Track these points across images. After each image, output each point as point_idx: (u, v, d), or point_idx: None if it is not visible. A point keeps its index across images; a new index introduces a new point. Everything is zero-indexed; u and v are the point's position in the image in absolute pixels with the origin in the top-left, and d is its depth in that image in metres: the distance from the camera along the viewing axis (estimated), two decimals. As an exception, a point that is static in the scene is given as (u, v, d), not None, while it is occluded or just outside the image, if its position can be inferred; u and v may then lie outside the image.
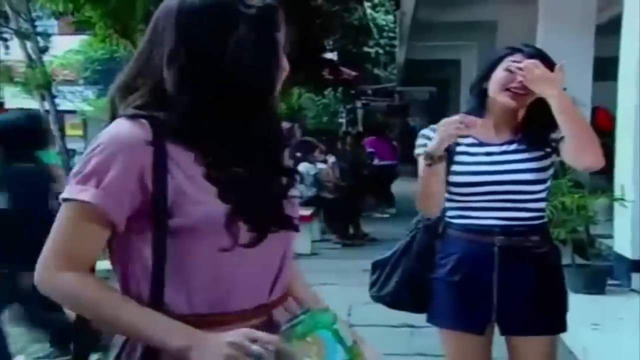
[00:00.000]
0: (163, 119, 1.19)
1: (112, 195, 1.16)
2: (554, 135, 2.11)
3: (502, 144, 2.16)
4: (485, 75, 2.17)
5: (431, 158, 2.03)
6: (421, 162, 2.17)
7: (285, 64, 1.28)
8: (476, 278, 2.14)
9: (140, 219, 1.18)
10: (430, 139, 2.18)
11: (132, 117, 1.20)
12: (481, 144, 2.15)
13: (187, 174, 1.19)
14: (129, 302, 1.18)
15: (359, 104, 22.98)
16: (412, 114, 23.56)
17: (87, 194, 1.16)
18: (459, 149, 2.17)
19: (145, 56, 1.26)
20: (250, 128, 1.23)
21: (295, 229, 1.30)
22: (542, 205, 2.18)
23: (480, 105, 2.19)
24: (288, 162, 1.35)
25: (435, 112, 21.54)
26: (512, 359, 2.23)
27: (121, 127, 1.20)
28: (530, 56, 2.10)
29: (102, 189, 1.16)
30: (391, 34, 22.68)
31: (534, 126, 2.15)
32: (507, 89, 2.10)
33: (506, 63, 2.12)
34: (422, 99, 23.18)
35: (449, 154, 2.15)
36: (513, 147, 2.15)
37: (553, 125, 2.11)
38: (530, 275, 2.13)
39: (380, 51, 23.87)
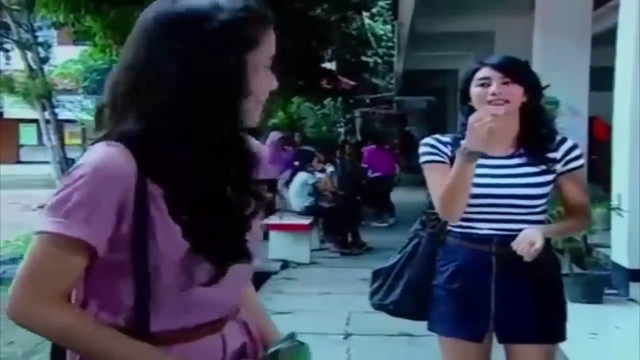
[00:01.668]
0: (144, 147, 1.14)
1: (97, 228, 1.13)
2: (551, 156, 2.17)
3: (503, 157, 2.19)
4: (464, 95, 2.21)
5: (470, 154, 2.04)
6: (428, 171, 2.21)
7: (269, 82, 1.22)
8: (474, 286, 2.17)
9: (118, 250, 1.15)
10: (435, 147, 2.22)
11: (114, 143, 1.15)
12: (483, 156, 2.17)
13: (159, 207, 1.15)
14: (118, 335, 1.16)
15: (357, 113, 23.04)
16: (410, 122, 23.61)
17: (74, 228, 1.11)
18: None
19: (125, 77, 1.19)
20: (220, 149, 1.18)
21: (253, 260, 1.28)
22: (541, 217, 2.20)
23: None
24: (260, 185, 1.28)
25: (433, 120, 21.66)
26: None
27: (104, 155, 1.14)
28: (494, 67, 2.15)
29: (88, 223, 1.12)
30: (389, 44, 22.78)
31: (532, 141, 2.19)
32: (488, 102, 2.13)
33: (476, 81, 2.17)
34: (420, 108, 23.24)
35: (453, 163, 2.18)
36: (515, 161, 2.19)
37: (547, 141, 2.17)
38: (527, 284, 2.15)
39: (379, 61, 23.96)
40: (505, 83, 2.13)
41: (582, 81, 7.89)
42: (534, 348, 2.19)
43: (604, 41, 6.67)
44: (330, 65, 17.87)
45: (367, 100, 23.42)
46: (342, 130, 21.39)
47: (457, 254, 2.21)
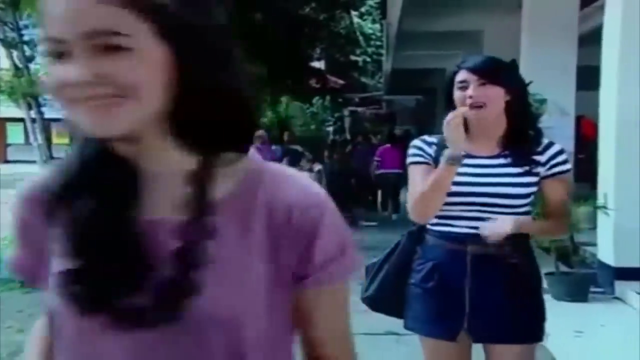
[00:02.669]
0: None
1: (18, 251, 1.00)
2: (536, 158, 2.17)
3: (488, 157, 2.20)
4: (448, 97, 2.22)
5: (453, 159, 2.07)
6: (411, 171, 2.24)
7: (52, 71, 0.83)
8: (449, 285, 2.18)
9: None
10: (420, 148, 2.24)
11: None
12: (468, 156, 2.18)
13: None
14: None
15: (346, 112, 23.07)
16: (399, 121, 23.67)
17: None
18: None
19: None
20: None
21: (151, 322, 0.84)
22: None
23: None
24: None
25: (422, 119, 21.71)
26: None
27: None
28: (470, 70, 2.16)
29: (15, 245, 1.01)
30: (378, 43, 22.83)
31: (517, 141, 2.19)
32: (468, 105, 2.15)
33: (456, 84, 2.18)
34: (409, 107, 23.31)
35: (437, 163, 2.19)
36: (499, 161, 2.19)
37: (533, 142, 2.18)
38: (501, 284, 2.16)
39: (368, 60, 24.02)
40: (482, 85, 2.14)
41: (569, 80, 7.94)
42: (510, 348, 2.19)
43: (591, 40, 6.71)
44: (319, 64, 17.90)
45: (356, 99, 23.47)
46: (331, 129, 21.43)
47: (434, 252, 2.22)
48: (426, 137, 2.30)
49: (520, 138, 2.20)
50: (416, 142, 2.29)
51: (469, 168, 2.17)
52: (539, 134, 2.25)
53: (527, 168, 2.17)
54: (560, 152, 2.22)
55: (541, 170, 2.18)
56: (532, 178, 2.17)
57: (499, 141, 2.21)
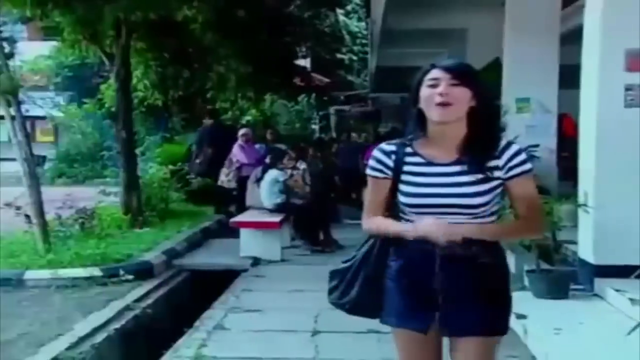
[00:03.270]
0: None
1: None
2: (493, 164, 2.18)
3: (448, 164, 2.20)
4: (415, 97, 2.22)
5: (415, 234, 2.14)
6: (369, 183, 2.29)
7: None
8: (420, 283, 2.20)
9: None
10: (379, 161, 2.26)
11: None
12: (428, 164, 2.21)
13: None
14: None
15: (332, 110, 23.07)
16: (384, 119, 23.71)
17: None
18: (406, 168, 2.23)
19: None
20: None
21: None
22: (486, 220, 2.21)
23: (419, 126, 2.24)
24: None
25: (407, 117, 21.69)
26: (454, 357, 2.28)
27: None
28: (444, 69, 2.17)
29: None
30: (364, 41, 22.85)
31: (475, 148, 2.19)
32: (435, 103, 2.15)
33: (426, 82, 2.19)
34: (394, 105, 23.34)
35: (397, 173, 2.23)
36: (455, 168, 2.19)
37: (489, 149, 2.19)
38: (470, 283, 2.19)
39: (354, 58, 24.02)
40: (453, 85, 2.15)
41: (551, 78, 7.99)
42: (472, 340, 2.20)
43: (574, 39, 6.74)
44: (305, 62, 17.87)
45: (342, 97, 23.46)
46: (316, 127, 21.42)
47: (405, 250, 2.24)
48: (385, 147, 2.30)
49: (479, 145, 2.20)
50: (376, 153, 2.30)
51: (428, 177, 2.19)
52: (497, 139, 2.25)
53: (482, 176, 2.17)
54: (518, 152, 2.22)
55: (500, 173, 2.19)
56: (488, 185, 2.18)
57: (457, 148, 2.22)
